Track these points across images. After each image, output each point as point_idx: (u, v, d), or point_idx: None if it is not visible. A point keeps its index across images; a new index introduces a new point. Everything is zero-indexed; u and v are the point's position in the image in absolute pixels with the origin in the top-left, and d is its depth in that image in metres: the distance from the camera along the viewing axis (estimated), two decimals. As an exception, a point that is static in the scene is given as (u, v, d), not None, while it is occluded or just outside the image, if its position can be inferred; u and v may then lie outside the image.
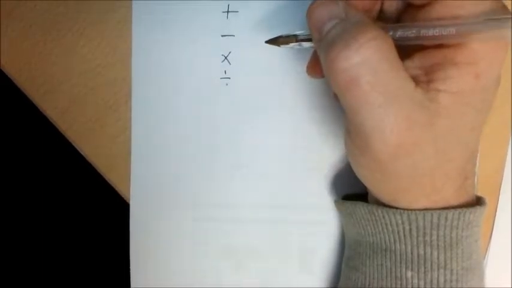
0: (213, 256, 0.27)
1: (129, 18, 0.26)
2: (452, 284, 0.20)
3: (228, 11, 0.26)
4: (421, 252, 0.20)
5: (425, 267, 0.20)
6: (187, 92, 0.26)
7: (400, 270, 0.21)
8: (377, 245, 0.22)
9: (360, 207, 0.22)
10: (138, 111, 0.27)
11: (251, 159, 0.27)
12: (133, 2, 0.26)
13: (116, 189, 0.27)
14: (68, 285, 0.45)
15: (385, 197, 0.21)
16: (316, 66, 0.22)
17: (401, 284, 0.21)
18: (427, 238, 0.20)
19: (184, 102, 0.26)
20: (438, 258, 0.20)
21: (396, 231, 0.21)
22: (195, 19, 0.26)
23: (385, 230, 0.21)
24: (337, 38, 0.18)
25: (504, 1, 0.18)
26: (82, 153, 0.27)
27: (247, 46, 0.26)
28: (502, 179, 0.27)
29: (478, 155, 0.26)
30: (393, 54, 0.18)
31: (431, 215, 0.20)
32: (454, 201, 0.20)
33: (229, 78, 0.26)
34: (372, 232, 0.22)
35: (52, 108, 0.27)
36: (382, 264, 0.21)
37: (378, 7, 0.21)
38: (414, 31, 0.18)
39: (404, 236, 0.20)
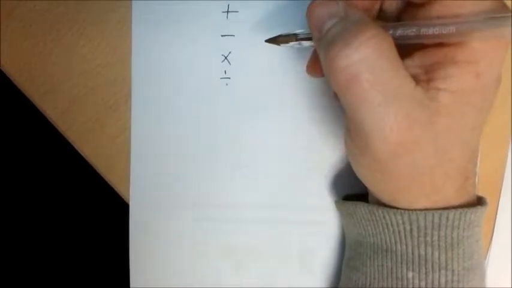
0: (213, 256, 0.27)
1: (129, 18, 0.26)
2: (453, 285, 0.20)
3: (228, 11, 0.26)
4: (422, 252, 0.20)
5: (426, 268, 0.20)
6: (187, 92, 0.26)
7: (401, 271, 0.21)
8: (378, 246, 0.22)
9: (361, 208, 0.22)
10: (138, 111, 0.27)
11: (251, 159, 0.27)
12: (133, 2, 0.26)
13: (116, 189, 0.27)
14: (67, 285, 0.45)
15: (385, 197, 0.21)
16: (316, 65, 0.22)
17: (402, 285, 0.21)
18: (428, 238, 0.20)
19: (184, 102, 0.26)
20: (439, 258, 0.20)
21: (397, 232, 0.20)
22: (195, 19, 0.26)
23: (386, 231, 0.21)
24: (337, 37, 0.18)
25: (504, 0, 0.18)
26: (82, 153, 0.27)
27: (247, 46, 0.26)
28: (502, 179, 0.27)
29: (479, 154, 0.26)
30: (393, 52, 0.18)
31: (432, 215, 0.20)
32: (454, 201, 0.20)
33: (229, 78, 0.26)
34: (372, 232, 0.22)
35: (52, 108, 0.27)
36: (382, 265, 0.21)
37: (377, 6, 0.21)
38: (414, 30, 0.18)
39: (405, 236, 0.20)
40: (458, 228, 0.20)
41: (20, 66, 0.26)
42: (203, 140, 0.27)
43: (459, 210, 0.20)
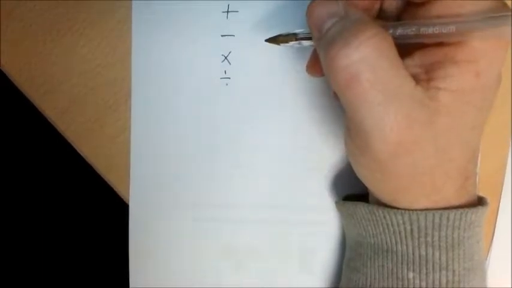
0: (213, 256, 0.27)
1: (129, 18, 0.26)
2: (454, 285, 0.20)
3: (228, 11, 0.26)
4: (423, 253, 0.20)
5: (426, 268, 0.20)
6: (187, 92, 0.26)
7: (402, 271, 0.20)
8: (378, 246, 0.21)
9: (361, 208, 0.22)
10: (137, 111, 0.27)
11: (251, 159, 0.27)
12: (133, 2, 0.26)
13: (115, 189, 0.27)
14: (67, 285, 0.45)
15: (385, 197, 0.21)
16: (316, 65, 0.22)
17: (402, 285, 0.20)
18: (429, 239, 0.20)
19: (184, 102, 0.26)
20: (440, 259, 0.20)
21: (397, 232, 0.20)
22: (195, 19, 0.26)
23: (386, 231, 0.21)
24: (337, 36, 0.18)
25: (504, 0, 0.18)
26: (81, 153, 0.27)
27: (247, 46, 0.26)
28: (503, 179, 0.27)
29: (479, 154, 0.26)
30: (393, 52, 0.18)
31: (433, 215, 0.19)
32: (455, 201, 0.20)
33: (229, 78, 0.26)
34: (372, 233, 0.22)
35: (52, 109, 0.27)
36: (383, 265, 0.21)
37: (377, 6, 0.21)
38: (414, 29, 0.18)
39: (406, 236, 0.20)
40: (459, 229, 0.20)
41: (20, 66, 0.26)
42: (203, 140, 0.27)
43: (460, 211, 0.20)
